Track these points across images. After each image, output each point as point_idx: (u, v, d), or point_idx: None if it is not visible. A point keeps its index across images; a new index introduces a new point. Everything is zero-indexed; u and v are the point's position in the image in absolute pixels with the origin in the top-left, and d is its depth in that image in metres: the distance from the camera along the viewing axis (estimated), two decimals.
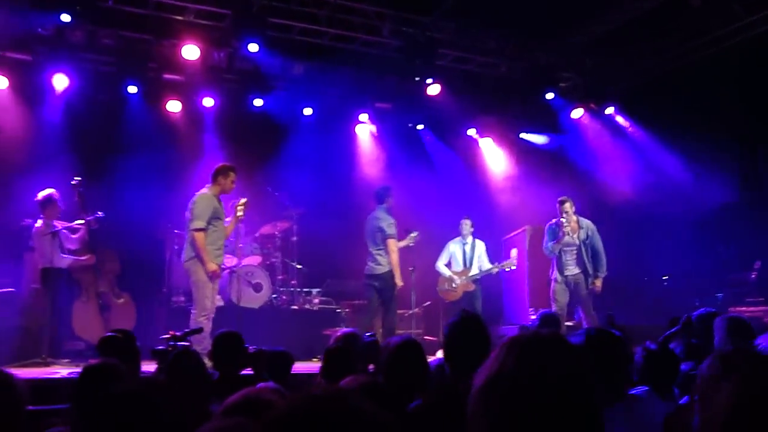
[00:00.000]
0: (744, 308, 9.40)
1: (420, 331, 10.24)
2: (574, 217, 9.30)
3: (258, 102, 11.18)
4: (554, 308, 8.90)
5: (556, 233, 9.22)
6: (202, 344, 6.79)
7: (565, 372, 1.41)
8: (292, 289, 10.77)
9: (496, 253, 10.67)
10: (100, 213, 8.57)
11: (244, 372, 4.71)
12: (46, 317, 7.89)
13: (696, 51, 10.99)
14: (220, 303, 9.04)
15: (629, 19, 10.50)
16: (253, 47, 9.57)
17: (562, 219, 9.17)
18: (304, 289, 10.94)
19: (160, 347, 4.86)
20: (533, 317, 9.11)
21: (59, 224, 8.38)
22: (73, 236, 8.67)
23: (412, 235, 9.30)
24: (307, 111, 11.65)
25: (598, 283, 9.17)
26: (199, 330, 5.42)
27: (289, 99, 11.54)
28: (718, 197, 10.79)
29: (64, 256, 8.36)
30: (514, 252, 10.72)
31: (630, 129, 12.20)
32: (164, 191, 10.08)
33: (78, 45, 9.78)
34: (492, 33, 11.26)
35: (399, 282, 8.84)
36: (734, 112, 10.44)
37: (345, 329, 5.29)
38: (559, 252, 9.25)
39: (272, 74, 10.99)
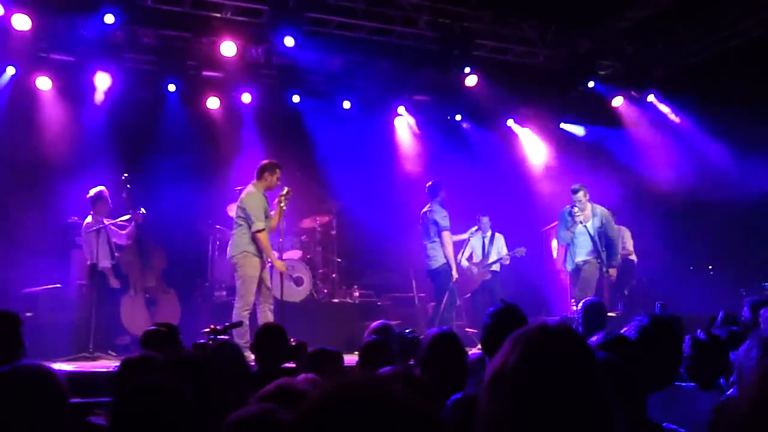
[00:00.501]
0: None
1: (462, 323, 10.21)
2: (589, 205, 9.19)
3: (296, 98, 11.23)
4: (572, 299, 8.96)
5: (568, 221, 9.14)
6: (245, 338, 6.88)
7: (570, 368, 1.37)
8: (332, 282, 10.82)
9: (536, 244, 10.60)
10: (142, 209, 8.75)
11: (287, 365, 4.74)
12: (91, 312, 8.05)
13: (738, 35, 10.74)
14: None
15: (669, 4, 10.30)
16: (289, 42, 9.61)
17: (575, 208, 9.08)
18: (345, 283, 10.98)
19: (201, 341, 4.92)
20: (575, 308, 9.00)
21: (107, 221, 8.58)
22: (122, 232, 8.86)
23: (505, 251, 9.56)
24: (346, 104, 11.65)
25: (613, 272, 9.10)
26: (239, 323, 5.48)
27: (326, 93, 11.57)
28: (763, 184, 10.55)
29: (116, 253, 8.60)
30: (554, 243, 10.63)
31: (672, 116, 11.98)
32: (204, 187, 10.22)
33: (119, 45, 9.93)
34: (529, 22, 11.14)
35: (455, 275, 8.94)
36: None
37: (378, 321, 5.27)
38: (572, 240, 9.17)
39: (310, 69, 11.04)
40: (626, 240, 10.86)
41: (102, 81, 10.06)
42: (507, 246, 10.36)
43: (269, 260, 7.81)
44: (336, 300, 10.58)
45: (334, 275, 10.88)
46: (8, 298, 8.32)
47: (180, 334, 4.96)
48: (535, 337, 1.42)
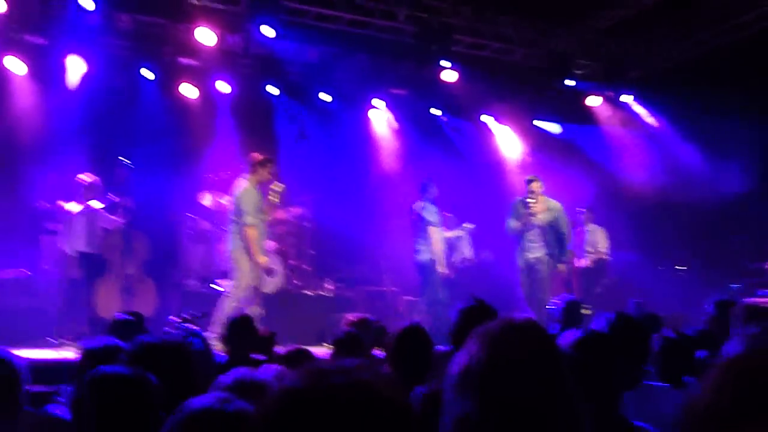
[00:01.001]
0: (757, 299, 9.30)
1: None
2: (542, 198, 8.96)
3: (272, 89, 11.17)
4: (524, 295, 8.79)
5: (520, 211, 8.92)
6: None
7: (535, 364, 1.36)
8: (305, 274, 10.78)
9: (509, 240, 10.62)
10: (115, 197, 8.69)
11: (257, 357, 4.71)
12: (61, 299, 7.97)
13: (715, 38, 10.86)
14: None
15: (647, 5, 10.38)
16: (267, 31, 9.53)
17: (528, 198, 8.87)
18: (318, 275, 10.96)
19: (168, 330, 4.88)
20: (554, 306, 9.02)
21: (96, 204, 8.53)
22: (112, 217, 8.78)
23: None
24: (324, 96, 11.60)
25: (562, 267, 8.95)
26: (204, 314, 5.45)
27: (303, 84, 11.53)
28: (735, 186, 10.68)
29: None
30: None
31: (647, 117, 12.09)
32: (178, 175, 10.13)
33: (94, 29, 9.79)
34: (508, 19, 11.16)
35: (442, 269, 8.97)
36: (752, 101, 10.31)
37: (355, 314, 5.27)
38: (523, 233, 8.93)
39: (287, 59, 10.98)
40: (599, 240, 10.95)
41: (76, 65, 9.90)
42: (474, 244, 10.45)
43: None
44: (308, 292, 10.55)
45: (306, 267, 10.85)
46: None
47: (150, 323, 4.92)
48: (499, 333, 1.40)
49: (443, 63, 10.59)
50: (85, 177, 8.63)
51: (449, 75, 10.91)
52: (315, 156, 11.40)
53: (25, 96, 9.89)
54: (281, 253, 10.43)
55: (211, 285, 9.65)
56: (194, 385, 2.39)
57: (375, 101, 12.12)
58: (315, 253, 10.98)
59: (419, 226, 9.13)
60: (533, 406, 1.32)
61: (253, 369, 2.32)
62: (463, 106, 12.32)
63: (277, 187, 8.20)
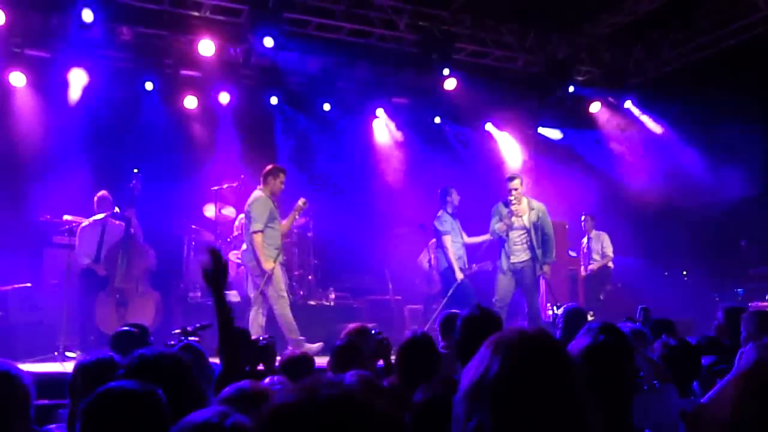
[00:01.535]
0: (765, 303, 9.28)
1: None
2: (524, 198, 8.71)
3: (274, 99, 11.19)
4: (495, 300, 8.52)
5: (503, 213, 8.67)
6: (295, 334, 7.67)
7: (552, 376, 1.34)
8: (308, 284, 10.76)
9: None
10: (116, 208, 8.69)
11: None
12: (64, 312, 7.95)
13: (715, 43, 10.86)
14: (236, 298, 9.08)
15: (647, 11, 10.39)
16: (268, 42, 9.56)
17: (510, 198, 8.61)
18: (321, 285, 10.93)
19: (171, 342, 4.85)
20: (550, 312, 8.99)
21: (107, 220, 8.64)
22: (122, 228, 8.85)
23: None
24: (326, 107, 11.62)
25: (547, 269, 8.66)
26: (209, 325, 5.43)
27: (305, 94, 11.54)
28: (738, 191, 10.66)
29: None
30: None
31: (649, 122, 12.08)
32: (180, 186, 10.14)
33: (96, 42, 9.81)
34: (509, 26, 11.18)
35: (458, 276, 8.95)
36: (755, 105, 10.30)
37: (353, 324, 5.24)
38: (507, 235, 8.64)
39: (288, 70, 11.01)
40: (606, 246, 10.93)
41: (78, 78, 9.94)
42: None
43: (241, 261, 7.92)
44: (312, 302, 10.51)
45: (310, 277, 10.82)
46: None
47: (152, 336, 4.90)
48: (513, 344, 1.38)
49: (445, 71, 10.60)
50: (101, 192, 8.75)
51: (451, 83, 10.92)
52: (317, 165, 11.39)
53: (27, 110, 9.92)
54: (284, 264, 10.40)
55: None
56: (191, 397, 2.38)
57: (377, 110, 12.12)
58: (318, 263, 10.96)
59: (436, 235, 9.22)
60: (548, 417, 1.31)
61: (255, 380, 2.30)
62: (465, 114, 12.35)
63: (301, 202, 8.31)
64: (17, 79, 9.76)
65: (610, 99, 12.10)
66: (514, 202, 8.59)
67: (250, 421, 1.64)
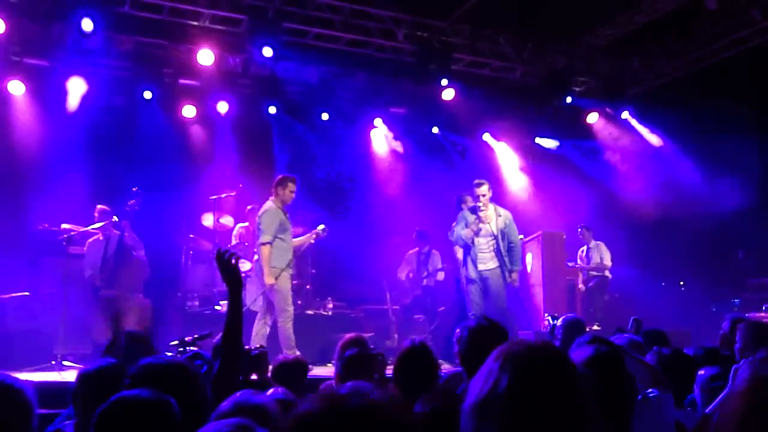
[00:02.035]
0: (762, 314, 9.29)
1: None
2: (491, 205, 8.49)
3: (272, 108, 11.21)
4: (470, 312, 8.24)
5: (469, 219, 8.46)
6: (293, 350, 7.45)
7: (561, 390, 1.34)
8: (306, 293, 10.75)
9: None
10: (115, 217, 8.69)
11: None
12: (61, 321, 7.93)
13: (712, 54, 10.92)
14: (247, 266, 9.01)
15: (645, 22, 10.45)
16: (267, 52, 9.59)
17: (478, 204, 8.38)
18: (319, 294, 10.92)
19: (170, 353, 4.85)
20: (547, 323, 8.97)
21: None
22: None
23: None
24: (324, 116, 11.64)
25: (515, 276, 8.46)
26: (208, 335, 5.43)
27: (303, 104, 11.56)
28: (736, 201, 10.69)
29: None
30: (529, 257, 10.67)
31: (646, 133, 12.12)
32: (178, 195, 10.13)
33: (95, 50, 9.83)
34: (507, 37, 11.23)
35: (462, 279, 8.77)
36: (751, 116, 10.35)
37: (350, 334, 5.21)
38: (473, 242, 8.40)
39: (287, 79, 11.03)
40: (604, 255, 10.95)
41: (76, 86, 9.96)
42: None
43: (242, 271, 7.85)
44: (309, 311, 10.50)
45: (308, 286, 10.80)
46: None
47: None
48: (525, 359, 1.38)
49: (443, 81, 10.64)
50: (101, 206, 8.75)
51: (449, 93, 10.95)
52: (315, 175, 11.40)
53: (25, 118, 9.93)
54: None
55: (215, 307, 9.62)
56: (199, 406, 2.38)
57: (375, 120, 12.15)
58: (316, 272, 10.96)
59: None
60: (557, 431, 1.31)
61: (254, 392, 2.29)
62: (462, 124, 12.37)
63: (320, 229, 8.35)
64: (16, 87, 9.78)
65: (608, 110, 12.15)
66: (482, 208, 8.40)
67: None
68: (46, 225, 8.82)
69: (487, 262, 8.42)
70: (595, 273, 10.94)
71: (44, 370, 7.29)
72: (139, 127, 10.46)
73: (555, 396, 1.33)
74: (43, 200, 9.13)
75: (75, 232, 8.43)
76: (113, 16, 9.20)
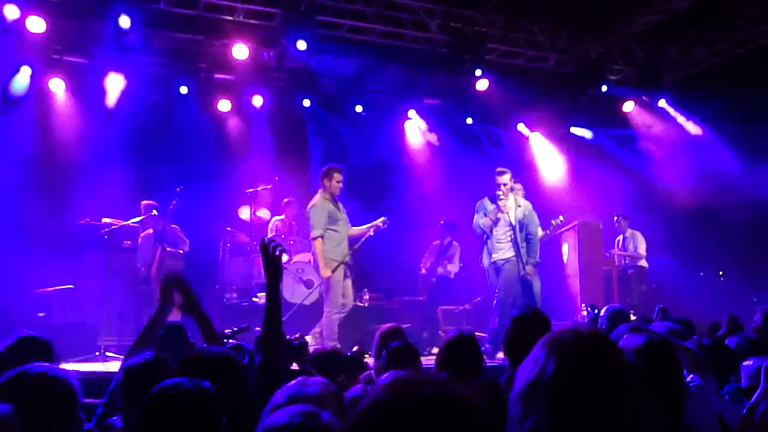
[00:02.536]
0: None
1: (470, 327, 10.21)
2: (511, 194, 8.42)
3: (307, 101, 11.27)
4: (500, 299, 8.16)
5: (489, 208, 8.36)
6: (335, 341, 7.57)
7: (608, 375, 1.35)
8: None
9: (545, 248, 10.59)
10: (154, 211, 8.90)
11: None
12: (104, 313, 8.11)
13: (751, 40, 10.73)
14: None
15: (681, 8, 10.30)
16: (301, 45, 9.64)
17: (498, 193, 8.29)
18: (354, 285, 10.96)
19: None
20: (585, 313, 8.91)
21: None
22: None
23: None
24: (358, 108, 11.68)
25: (530, 269, 8.32)
26: (246, 328, 5.49)
27: (338, 96, 11.61)
28: None
29: None
30: (565, 247, 10.62)
31: (684, 121, 11.97)
32: (215, 188, 10.25)
33: (132, 47, 9.97)
34: (540, 26, 11.15)
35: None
36: None
37: (387, 325, 5.23)
38: (491, 231, 8.34)
39: (321, 72, 11.08)
40: (639, 245, 10.86)
41: (115, 83, 10.12)
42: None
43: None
44: None
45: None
46: (20, 298, 8.36)
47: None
48: (571, 345, 1.39)
49: (477, 72, 10.60)
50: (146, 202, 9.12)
51: (482, 84, 10.92)
52: (350, 167, 11.43)
53: (66, 115, 10.12)
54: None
55: (253, 299, 9.73)
56: (244, 397, 2.43)
57: (410, 111, 12.15)
58: (353, 263, 11.01)
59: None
60: (604, 417, 1.32)
61: (302, 384, 2.32)
62: (496, 115, 12.32)
63: (380, 221, 8.38)
64: (56, 85, 9.99)
65: (644, 98, 12.00)
66: (501, 197, 8.32)
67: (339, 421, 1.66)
68: (88, 219, 9.00)
69: (503, 252, 8.35)
70: (631, 262, 10.86)
71: (88, 361, 7.46)
72: (175, 121, 10.60)
73: (600, 380, 1.34)
74: (84, 195, 9.31)
75: (116, 226, 8.59)
76: (150, 12, 9.31)
